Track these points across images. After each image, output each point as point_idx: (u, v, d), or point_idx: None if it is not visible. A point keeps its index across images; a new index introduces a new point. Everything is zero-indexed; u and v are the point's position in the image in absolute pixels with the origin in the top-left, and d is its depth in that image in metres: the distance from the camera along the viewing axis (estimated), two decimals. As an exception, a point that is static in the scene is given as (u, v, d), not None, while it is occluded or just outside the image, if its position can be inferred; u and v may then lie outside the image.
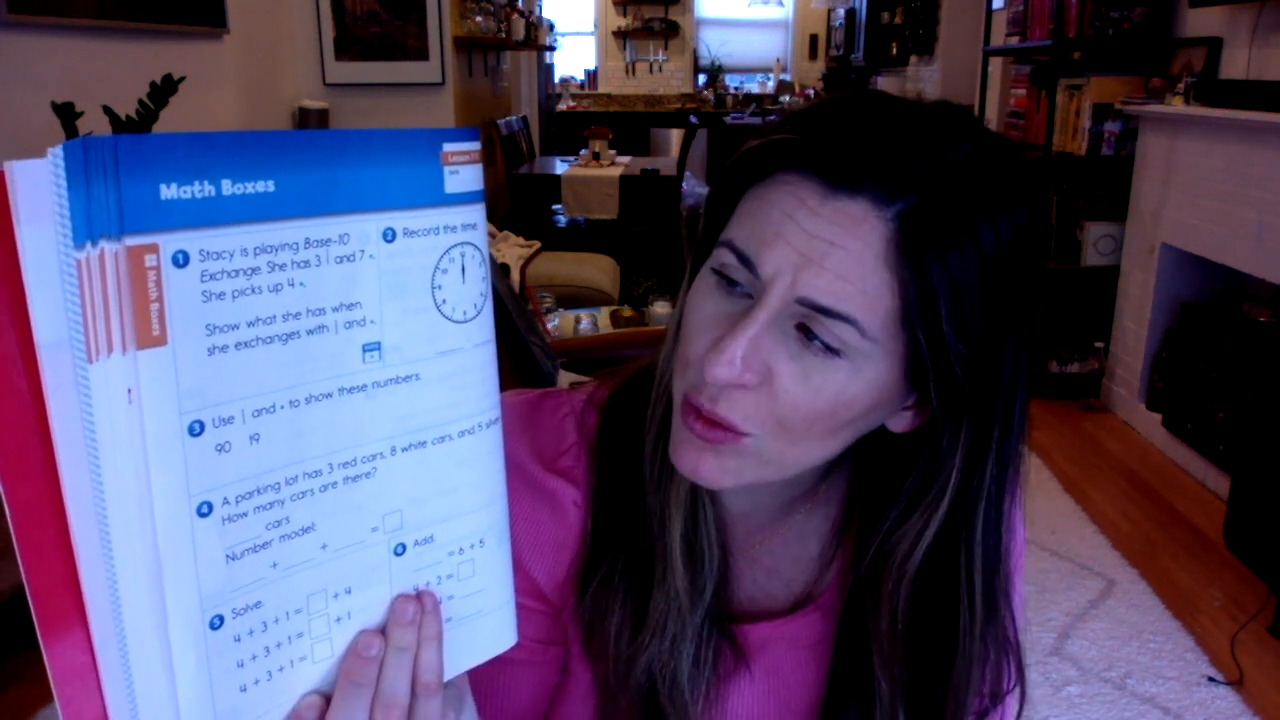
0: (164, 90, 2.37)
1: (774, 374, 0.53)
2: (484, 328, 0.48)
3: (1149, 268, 3.39)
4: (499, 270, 2.55)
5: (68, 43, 2.65)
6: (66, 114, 2.17)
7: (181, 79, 2.41)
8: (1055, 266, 3.76)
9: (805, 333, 0.53)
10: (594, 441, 0.66)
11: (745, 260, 0.53)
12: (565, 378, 2.34)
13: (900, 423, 0.59)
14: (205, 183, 0.37)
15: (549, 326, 2.87)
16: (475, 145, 0.46)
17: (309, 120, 4.08)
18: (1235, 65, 3.10)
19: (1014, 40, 4.27)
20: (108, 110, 2.31)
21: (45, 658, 0.38)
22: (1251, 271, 2.81)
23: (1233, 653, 2.19)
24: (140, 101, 2.35)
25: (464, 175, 0.46)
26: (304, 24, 4.09)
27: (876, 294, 0.51)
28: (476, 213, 0.46)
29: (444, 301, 0.46)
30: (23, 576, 0.37)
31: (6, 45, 2.42)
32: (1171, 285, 3.34)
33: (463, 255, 0.46)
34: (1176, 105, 3.18)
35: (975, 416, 0.56)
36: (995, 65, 4.61)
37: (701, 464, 0.56)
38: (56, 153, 0.34)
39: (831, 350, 0.52)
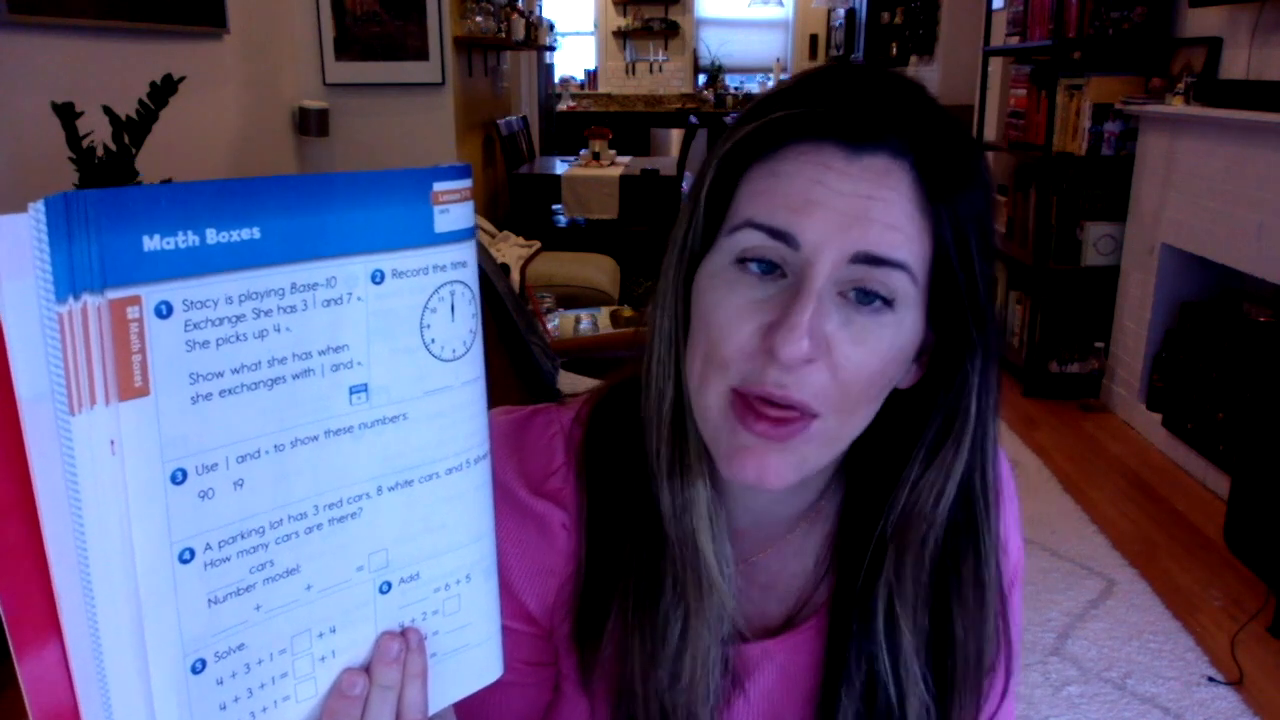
0: (164, 90, 2.37)
1: (831, 344, 0.53)
2: (473, 365, 0.47)
3: (1149, 268, 3.39)
4: (499, 270, 2.55)
5: (68, 43, 2.65)
6: (66, 114, 2.17)
7: (181, 79, 2.41)
8: (1055, 266, 3.76)
9: (854, 295, 0.54)
10: (580, 462, 0.64)
11: (780, 234, 0.53)
12: (565, 378, 2.34)
13: (909, 377, 0.60)
14: (189, 233, 0.37)
15: (549, 326, 2.87)
16: (467, 183, 0.45)
17: (309, 120, 4.07)
18: (1235, 65, 3.10)
19: (1014, 40, 4.27)
20: (108, 110, 2.31)
21: (27, 702, 0.38)
22: (1251, 271, 2.81)
23: (1233, 653, 2.19)
24: (140, 101, 2.35)
25: (454, 214, 0.45)
26: (304, 24, 4.08)
27: (918, 238, 0.54)
28: (467, 250, 0.46)
29: (433, 341, 0.45)
30: (4, 621, 0.37)
31: (6, 45, 2.42)
32: (1171, 285, 3.33)
33: (452, 294, 0.46)
34: (1176, 105, 3.17)
35: (985, 348, 0.58)
36: (995, 65, 4.60)
37: (768, 466, 0.55)
38: (38, 207, 0.34)
39: (886, 303, 0.54)
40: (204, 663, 0.41)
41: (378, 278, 0.43)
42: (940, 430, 0.60)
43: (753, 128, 0.55)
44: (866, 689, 0.63)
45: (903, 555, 0.61)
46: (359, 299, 0.42)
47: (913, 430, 0.61)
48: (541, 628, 0.65)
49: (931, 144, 0.54)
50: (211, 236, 0.37)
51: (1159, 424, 3.30)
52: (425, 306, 0.45)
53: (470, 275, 0.46)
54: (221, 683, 0.42)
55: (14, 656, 0.38)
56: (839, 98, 0.54)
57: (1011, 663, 0.67)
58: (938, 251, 0.55)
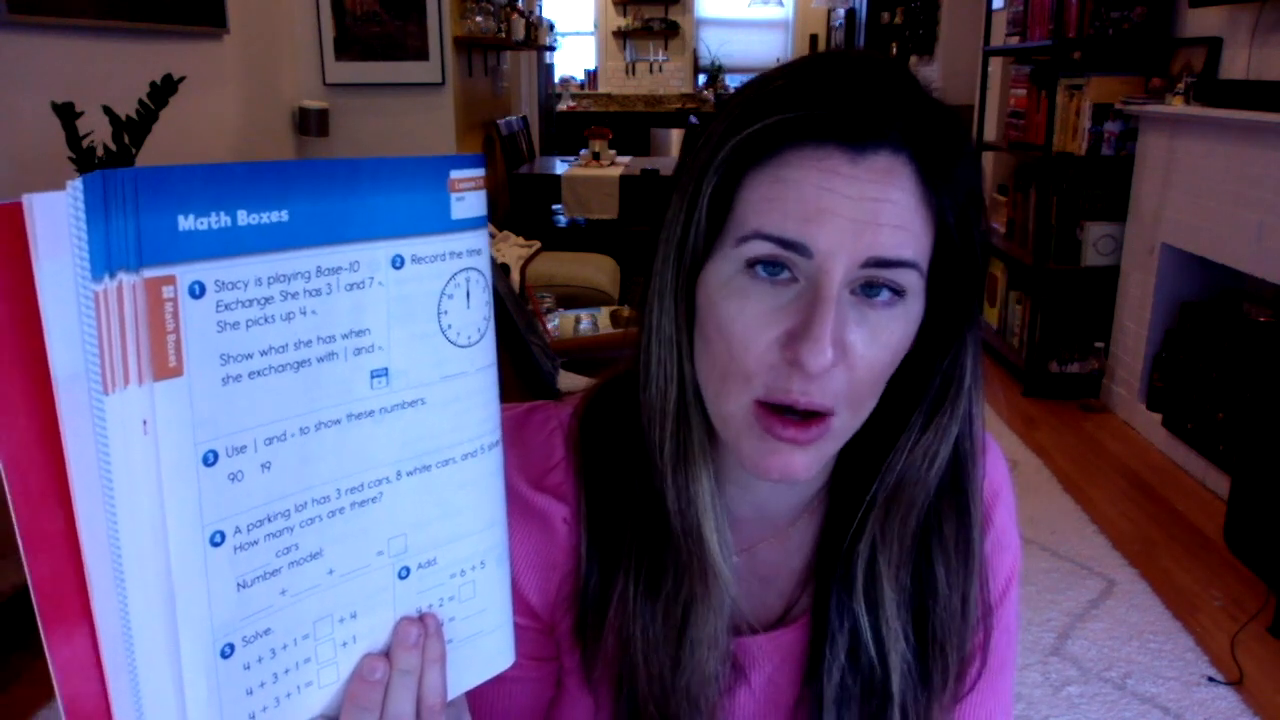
0: (164, 90, 2.37)
1: (848, 345, 0.54)
2: (487, 352, 0.48)
3: (1149, 268, 3.39)
4: (499, 270, 2.55)
5: (68, 43, 2.65)
6: (66, 114, 2.17)
7: (181, 79, 2.41)
8: (1055, 266, 3.76)
9: (865, 292, 0.54)
10: (578, 457, 0.65)
11: (791, 245, 0.53)
12: (565, 378, 2.34)
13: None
14: (221, 214, 0.37)
15: (549, 326, 2.87)
16: (481, 172, 0.47)
17: (309, 120, 4.08)
18: (1235, 65, 3.10)
19: (1014, 40, 4.27)
20: (108, 110, 2.31)
21: (55, 686, 0.38)
22: (1251, 271, 2.82)
23: (1233, 653, 2.19)
24: (140, 101, 2.35)
25: (470, 201, 0.46)
26: (304, 24, 4.09)
27: (922, 231, 0.55)
28: (481, 238, 0.47)
29: (449, 326, 0.46)
30: (34, 605, 0.37)
31: (6, 45, 2.42)
32: (1171, 285, 3.34)
33: (468, 280, 0.47)
34: (1176, 105, 3.18)
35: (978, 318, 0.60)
36: (995, 65, 4.60)
37: (794, 463, 0.56)
38: (76, 185, 0.34)
39: (897, 295, 0.54)
40: (232, 647, 0.41)
41: (398, 263, 0.44)
42: (937, 396, 0.61)
43: (749, 133, 0.54)
44: (850, 647, 0.64)
45: (890, 516, 0.62)
46: (380, 283, 0.43)
47: (896, 402, 0.61)
48: (543, 622, 0.66)
49: (927, 130, 0.54)
50: (243, 218, 0.38)
51: (1159, 424, 3.30)
52: (442, 293, 0.46)
53: (484, 263, 0.47)
54: (249, 667, 0.42)
55: (44, 639, 0.38)
56: (836, 97, 0.54)
57: (990, 618, 0.68)
58: (940, 235, 0.56)
